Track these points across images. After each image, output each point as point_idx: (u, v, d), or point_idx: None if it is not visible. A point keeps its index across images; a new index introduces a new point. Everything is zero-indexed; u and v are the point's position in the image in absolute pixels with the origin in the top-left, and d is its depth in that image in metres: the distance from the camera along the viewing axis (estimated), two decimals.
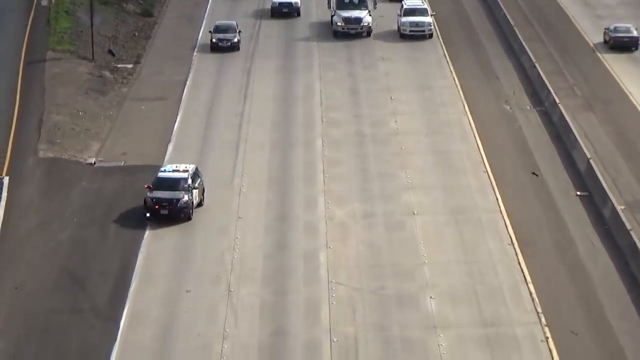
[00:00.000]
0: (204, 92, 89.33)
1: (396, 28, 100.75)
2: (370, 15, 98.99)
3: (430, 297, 50.97)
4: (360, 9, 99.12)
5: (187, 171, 58.73)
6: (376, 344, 46.85)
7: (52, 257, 57.72)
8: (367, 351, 46.32)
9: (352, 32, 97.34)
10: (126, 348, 46.81)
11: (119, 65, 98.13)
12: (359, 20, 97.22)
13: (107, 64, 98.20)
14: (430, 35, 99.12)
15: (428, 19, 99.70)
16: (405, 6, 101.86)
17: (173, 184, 56.72)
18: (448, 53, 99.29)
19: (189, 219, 56.36)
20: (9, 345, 49.26)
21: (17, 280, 56.57)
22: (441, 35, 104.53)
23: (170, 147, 76.44)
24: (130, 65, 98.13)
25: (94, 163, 73.33)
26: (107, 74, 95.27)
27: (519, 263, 55.06)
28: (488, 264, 56.07)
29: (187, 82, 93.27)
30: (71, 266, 56.89)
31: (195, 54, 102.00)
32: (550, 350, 45.11)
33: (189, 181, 57.37)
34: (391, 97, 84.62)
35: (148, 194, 56.42)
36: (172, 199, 55.60)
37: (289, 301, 52.34)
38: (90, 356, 47.11)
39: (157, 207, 55.55)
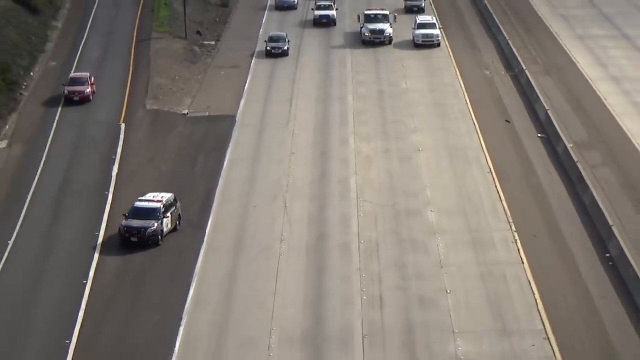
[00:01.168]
0: (266, 64, 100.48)
1: (411, 38, 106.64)
2: (391, 27, 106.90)
3: (431, 211, 60.36)
4: (383, 22, 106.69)
5: (160, 201, 58.00)
6: (391, 244, 56.14)
7: (156, 183, 66.00)
8: (385, 249, 55.64)
9: (377, 40, 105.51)
10: (210, 249, 56.38)
11: (204, 42, 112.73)
12: (382, 31, 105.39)
13: (196, 41, 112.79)
14: (439, 44, 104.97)
15: (437, 31, 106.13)
16: (418, 21, 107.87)
17: (146, 213, 55.96)
18: (444, 33, 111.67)
19: (157, 244, 55.29)
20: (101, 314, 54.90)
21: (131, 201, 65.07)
22: (439, 21, 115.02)
23: (242, 101, 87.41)
24: (212, 42, 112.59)
25: (186, 113, 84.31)
26: (196, 48, 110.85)
27: (496, 186, 65.00)
28: (473, 187, 66.29)
29: (254, 55, 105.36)
30: (170, 190, 63.40)
31: (259, 34, 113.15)
32: (518, 249, 54.99)
33: (162, 210, 56.60)
34: (403, 65, 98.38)
35: (122, 222, 56.15)
36: (140, 228, 55.03)
37: (328, 214, 61.18)
38: (185, 253, 56.70)
39: (127, 234, 55.23)
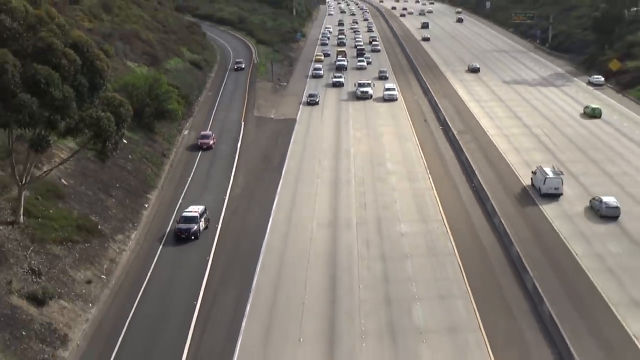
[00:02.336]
0: (319, 83, 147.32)
1: (382, 95, 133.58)
2: (372, 89, 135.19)
3: (389, 163, 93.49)
4: (368, 87, 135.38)
5: (197, 211, 67.68)
6: (370, 179, 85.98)
7: (259, 150, 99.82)
8: (367, 182, 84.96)
9: (364, 97, 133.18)
10: (284, 181, 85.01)
11: (281, 84, 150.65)
12: (367, 92, 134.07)
13: (277, 83, 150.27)
14: (397, 99, 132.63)
15: (395, 92, 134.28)
16: (385, 86, 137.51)
17: (189, 219, 66.29)
18: (399, 89, 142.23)
19: (197, 238, 65.37)
20: (242, 183, 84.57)
21: (248, 158, 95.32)
22: (396, 82, 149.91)
23: (299, 113, 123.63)
24: (284, 84, 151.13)
25: (272, 117, 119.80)
26: (277, 87, 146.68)
27: (420, 151, 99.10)
28: (409, 152, 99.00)
29: (305, 90, 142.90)
30: (265, 153, 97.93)
31: (307, 80, 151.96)
32: (430, 181, 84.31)
33: (198, 217, 66.70)
34: (377, 107, 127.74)
35: (176, 225, 66.84)
36: (187, 229, 65.33)
37: (339, 165, 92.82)
38: (272, 184, 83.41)
39: (179, 234, 65.54)
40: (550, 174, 77.08)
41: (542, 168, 79.96)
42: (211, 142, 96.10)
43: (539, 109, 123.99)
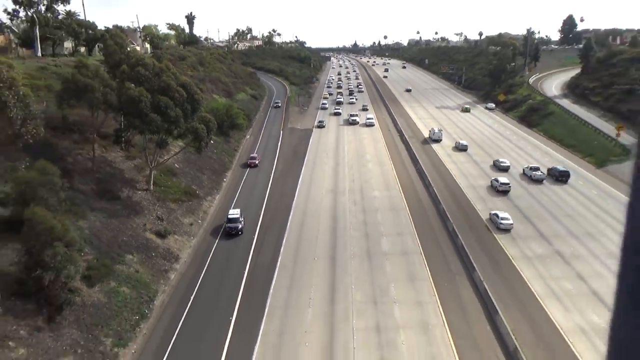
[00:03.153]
0: (325, 113, 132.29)
1: (364, 122, 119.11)
2: (358, 118, 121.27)
3: (368, 157, 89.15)
4: (356, 117, 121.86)
5: (238, 213, 57.05)
6: (357, 164, 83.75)
7: (290, 148, 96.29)
8: (354, 165, 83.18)
9: (354, 123, 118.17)
10: (307, 163, 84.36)
11: (304, 107, 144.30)
12: (355, 120, 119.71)
13: (302, 107, 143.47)
14: (374, 125, 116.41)
15: (374, 120, 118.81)
16: (367, 116, 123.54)
17: (234, 220, 55.60)
18: (376, 119, 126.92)
19: (242, 232, 55.36)
20: (281, 167, 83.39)
21: (284, 152, 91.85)
22: (374, 112, 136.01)
23: (315, 121, 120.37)
24: (306, 108, 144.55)
25: (299, 127, 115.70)
26: (301, 110, 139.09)
27: (386, 149, 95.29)
28: (380, 149, 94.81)
29: (319, 110, 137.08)
30: (294, 149, 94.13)
31: (317, 111, 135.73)
32: (392, 165, 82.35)
33: (240, 218, 56.29)
34: (361, 130, 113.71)
35: (226, 224, 56.00)
36: (235, 227, 54.89)
37: (338, 155, 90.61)
38: (298, 167, 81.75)
39: (230, 231, 54.84)
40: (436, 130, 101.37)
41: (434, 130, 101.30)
42: (257, 161, 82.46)
43: (455, 122, 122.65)
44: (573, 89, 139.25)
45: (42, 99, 58.99)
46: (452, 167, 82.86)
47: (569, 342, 36.73)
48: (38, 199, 38.34)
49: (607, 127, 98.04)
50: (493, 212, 59.95)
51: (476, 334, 37.99)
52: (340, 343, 36.56)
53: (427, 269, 47.76)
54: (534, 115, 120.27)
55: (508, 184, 70.27)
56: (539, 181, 74.78)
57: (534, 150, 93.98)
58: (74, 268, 35.58)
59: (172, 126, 55.66)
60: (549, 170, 77.27)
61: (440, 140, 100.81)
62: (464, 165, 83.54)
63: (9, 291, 32.64)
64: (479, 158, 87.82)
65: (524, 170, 78.54)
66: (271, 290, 43.92)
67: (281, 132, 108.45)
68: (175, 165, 68.78)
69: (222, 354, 35.40)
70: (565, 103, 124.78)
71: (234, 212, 57.44)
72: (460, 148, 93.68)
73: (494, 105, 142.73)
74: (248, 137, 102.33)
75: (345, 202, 66.03)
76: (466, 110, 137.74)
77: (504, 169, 79.94)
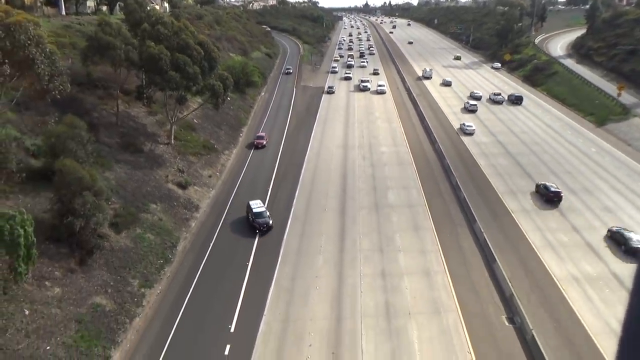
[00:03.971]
0: (331, 82, 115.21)
1: (375, 89, 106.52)
2: (369, 84, 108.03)
3: (377, 117, 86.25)
4: (367, 83, 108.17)
5: (262, 205, 47.58)
6: (366, 122, 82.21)
7: (304, 105, 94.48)
8: (364, 124, 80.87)
9: (365, 89, 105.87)
10: (319, 120, 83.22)
11: (316, 66, 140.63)
12: (366, 86, 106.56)
13: (314, 65, 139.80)
14: (385, 92, 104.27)
15: (385, 87, 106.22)
16: (378, 82, 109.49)
17: (261, 214, 45.75)
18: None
19: (271, 228, 45.69)
20: (294, 123, 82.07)
21: (297, 109, 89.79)
22: (386, 79, 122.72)
23: (326, 82, 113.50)
24: (318, 66, 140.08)
25: (311, 85, 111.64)
26: (314, 68, 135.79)
27: (394, 106, 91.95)
28: (389, 107, 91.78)
29: (329, 74, 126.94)
30: (307, 106, 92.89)
31: (329, 73, 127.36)
32: (401, 126, 79.65)
33: (265, 210, 46.84)
34: (372, 96, 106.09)
35: (253, 219, 45.78)
36: (264, 223, 45.28)
37: (348, 113, 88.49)
38: (311, 124, 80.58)
39: (261, 228, 45.10)
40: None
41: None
42: (264, 142, 70.09)
43: (462, 81, 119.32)
44: (577, 49, 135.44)
45: (67, 56, 58.69)
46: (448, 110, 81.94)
47: (562, 289, 37.00)
48: (67, 151, 38.70)
49: (609, 87, 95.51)
50: (462, 122, 78.48)
51: (475, 280, 38.46)
52: (348, 287, 37.19)
53: (431, 220, 47.93)
54: (539, 74, 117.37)
55: (475, 104, 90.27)
56: (499, 102, 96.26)
57: (536, 108, 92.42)
58: (102, 215, 36.27)
59: (190, 83, 55.09)
60: (508, 96, 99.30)
61: (430, 77, 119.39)
62: (450, 100, 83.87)
63: (43, 236, 33.38)
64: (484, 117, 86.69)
65: (489, 95, 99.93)
66: (284, 239, 44.46)
67: (294, 89, 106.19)
68: (195, 120, 68.68)
69: (239, 295, 36.23)
70: (569, 63, 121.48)
71: (258, 205, 47.51)
72: (470, 109, 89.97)
73: (500, 65, 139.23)
74: (263, 94, 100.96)
75: (355, 157, 65.49)
76: (457, 58, 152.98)
77: (477, 98, 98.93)
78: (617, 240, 43.63)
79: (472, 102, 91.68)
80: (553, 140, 73.56)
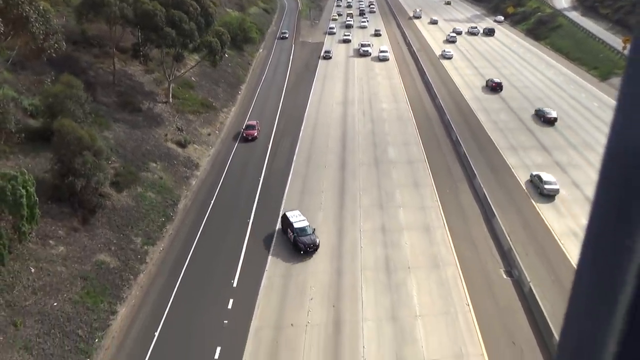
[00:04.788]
0: (328, 41, 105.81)
1: (377, 55, 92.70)
2: (371, 49, 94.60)
3: (376, 69, 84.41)
4: (368, 47, 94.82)
5: (304, 218, 38.06)
6: (366, 77, 78.75)
7: (302, 61, 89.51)
8: (363, 79, 77.83)
9: (365, 54, 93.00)
10: (317, 78, 79.02)
11: (315, 22, 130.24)
12: (367, 51, 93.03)
13: (312, 21, 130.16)
14: (388, 59, 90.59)
15: (387, 54, 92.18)
16: (380, 48, 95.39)
17: (304, 230, 36.79)
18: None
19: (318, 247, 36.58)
20: (293, 79, 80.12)
21: (296, 65, 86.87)
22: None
23: (325, 39, 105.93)
24: (317, 22, 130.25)
25: (310, 41, 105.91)
26: (312, 24, 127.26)
27: (395, 61, 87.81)
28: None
29: (326, 35, 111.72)
30: (306, 62, 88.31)
31: (326, 34, 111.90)
32: (400, 78, 77.89)
33: (308, 225, 37.41)
34: (373, 63, 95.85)
35: (299, 238, 36.29)
36: (312, 243, 36.12)
37: (348, 70, 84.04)
38: (310, 80, 78.17)
39: (307, 249, 35.97)
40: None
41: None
42: (256, 132, 56.42)
43: (463, 35, 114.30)
44: (582, 1, 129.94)
45: (61, 14, 57.43)
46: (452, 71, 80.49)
47: (560, 243, 37.30)
48: (65, 111, 38.50)
49: (614, 40, 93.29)
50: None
51: (474, 235, 38.87)
52: (349, 242, 37.60)
53: (431, 176, 47.97)
54: (542, 28, 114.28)
55: (455, 35, 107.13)
56: (474, 34, 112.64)
57: (539, 63, 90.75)
58: (103, 175, 36.47)
59: (186, 40, 54.02)
60: (483, 29, 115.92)
61: (420, 17, 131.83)
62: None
63: (45, 196, 33.62)
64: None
65: (467, 29, 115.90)
66: (285, 195, 44.59)
67: (293, 45, 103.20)
68: (192, 78, 67.81)
69: (241, 251, 36.68)
70: (574, 15, 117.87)
71: (298, 218, 37.96)
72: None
73: (502, 18, 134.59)
74: (261, 50, 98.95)
75: (355, 113, 64.96)
76: (447, 3, 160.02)
77: (459, 32, 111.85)
78: (535, 185, 45.63)
79: (452, 33, 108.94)
80: (555, 94, 72.61)
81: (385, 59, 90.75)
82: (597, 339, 0.53)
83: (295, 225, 37.28)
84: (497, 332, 29.66)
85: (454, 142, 55.65)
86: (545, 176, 45.28)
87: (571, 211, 41.74)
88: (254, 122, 58.27)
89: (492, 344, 28.70)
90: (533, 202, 43.36)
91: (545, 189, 44.15)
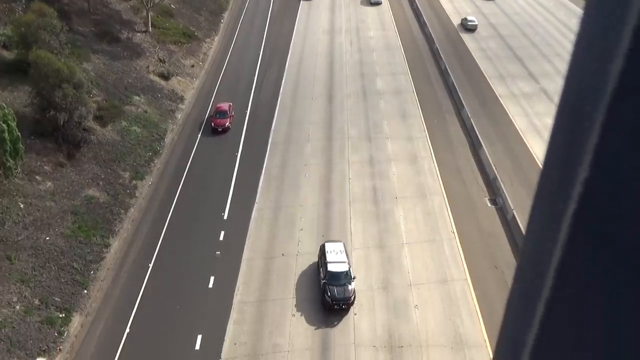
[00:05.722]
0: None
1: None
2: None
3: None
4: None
5: (345, 256, 28.41)
6: (354, 4, 74.52)
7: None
8: (350, 6, 72.79)
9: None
10: (301, 8, 72.62)
11: None
12: None
13: None
14: (381, 3, 75.71)
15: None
16: None
17: (338, 276, 27.30)
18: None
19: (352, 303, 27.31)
20: (277, 8, 74.65)
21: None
22: None
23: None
24: None
25: None
26: None
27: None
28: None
29: None
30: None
31: None
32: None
33: (348, 270, 27.82)
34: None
35: (329, 286, 26.83)
36: (344, 300, 26.80)
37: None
38: (295, 9, 71.80)
39: (338, 305, 26.87)
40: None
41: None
42: (228, 122, 43.63)
43: None
44: None
45: None
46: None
47: None
48: (40, 42, 37.15)
49: None
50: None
51: (460, 165, 39.59)
52: (337, 174, 38.05)
53: (419, 106, 47.79)
54: None
55: None
56: None
57: None
58: (85, 109, 35.91)
59: None
60: None
61: None
62: None
63: (27, 131, 33.08)
64: None
65: None
66: (272, 127, 44.38)
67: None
68: (172, 5, 64.92)
69: (230, 184, 36.93)
70: None
71: (337, 255, 28.30)
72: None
73: None
74: None
75: (342, 42, 63.30)
76: None
77: None
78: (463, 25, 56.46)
79: None
80: (545, 20, 71.01)
81: (377, 3, 77.29)
82: (547, 247, 0.57)
83: (330, 268, 27.54)
84: (481, 257, 30.97)
85: (443, 71, 54.99)
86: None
87: None
88: (225, 105, 45.20)
89: (475, 269, 30.10)
90: (520, 131, 43.76)
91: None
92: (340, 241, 30.30)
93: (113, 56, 48.19)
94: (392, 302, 28.18)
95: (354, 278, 27.94)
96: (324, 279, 27.55)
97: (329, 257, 28.25)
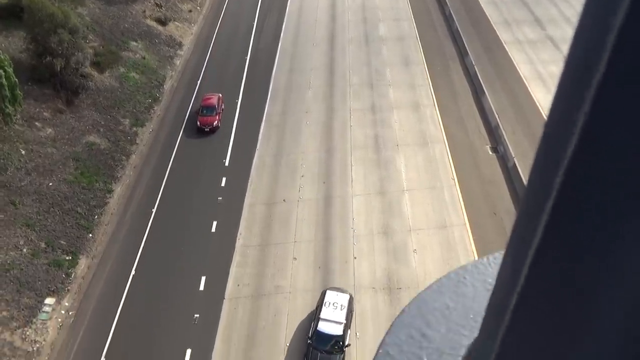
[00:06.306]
0: None
1: None
2: None
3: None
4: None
5: (342, 323, 22.37)
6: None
7: None
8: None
9: None
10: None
11: None
12: None
13: None
14: None
15: None
16: None
17: (328, 338, 22.12)
18: None
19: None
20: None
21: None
22: None
23: None
24: None
25: None
26: None
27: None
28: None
29: None
30: None
31: None
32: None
33: (342, 333, 22.11)
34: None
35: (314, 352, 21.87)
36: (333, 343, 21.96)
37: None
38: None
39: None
40: None
41: None
42: (216, 121, 36.60)
43: None
44: None
45: None
46: None
47: None
48: None
49: None
50: None
51: (463, 113, 39.31)
52: (338, 121, 37.88)
53: (422, 53, 46.93)
54: None
55: None
56: None
57: None
58: (82, 54, 35.52)
59: None
60: None
61: None
62: None
63: (25, 77, 32.85)
64: None
65: None
66: (273, 74, 43.80)
67: None
68: None
69: (231, 132, 36.83)
70: None
71: (332, 315, 22.80)
72: None
73: None
74: None
75: None
76: None
77: None
78: None
79: None
80: None
81: None
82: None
83: (320, 327, 22.31)
84: (480, 204, 31.27)
85: (447, 17, 53.36)
86: None
87: None
88: (213, 97, 38.43)
89: (474, 215, 30.47)
90: (524, 79, 43.20)
91: None
92: (347, 292, 24.06)
93: (108, 0, 47.12)
94: (392, 246, 28.74)
95: (347, 346, 21.71)
96: (309, 338, 22.17)
97: (323, 312, 22.55)
